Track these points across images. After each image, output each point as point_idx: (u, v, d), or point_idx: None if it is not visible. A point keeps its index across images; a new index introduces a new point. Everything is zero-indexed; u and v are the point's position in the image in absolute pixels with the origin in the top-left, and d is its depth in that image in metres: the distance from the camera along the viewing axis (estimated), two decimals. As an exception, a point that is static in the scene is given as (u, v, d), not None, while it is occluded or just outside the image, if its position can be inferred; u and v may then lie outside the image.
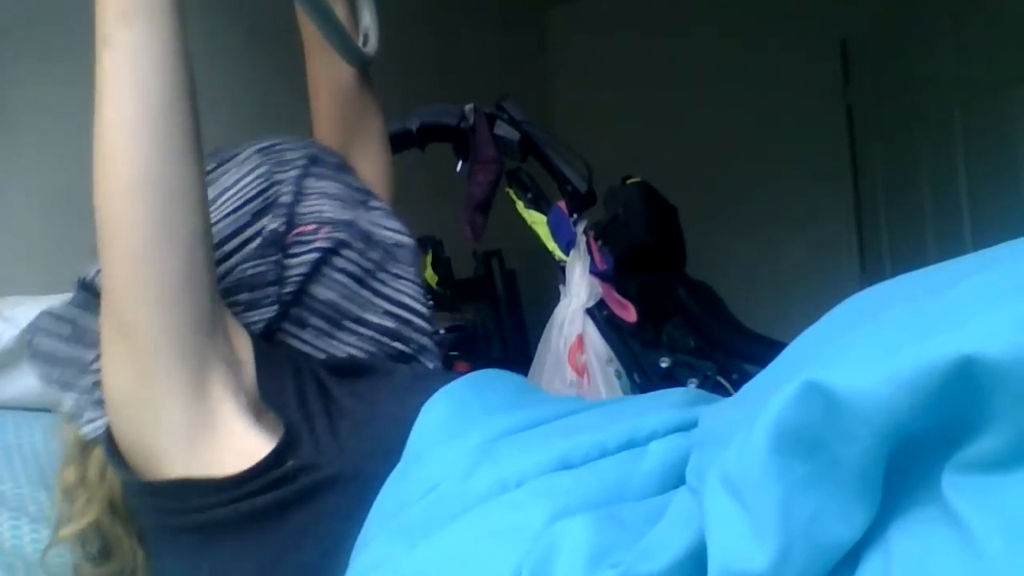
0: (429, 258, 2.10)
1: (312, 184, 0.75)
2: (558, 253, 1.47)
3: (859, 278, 3.20)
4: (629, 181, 1.75)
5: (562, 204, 1.48)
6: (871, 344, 0.38)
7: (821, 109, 3.32)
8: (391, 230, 0.81)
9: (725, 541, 0.38)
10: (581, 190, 1.46)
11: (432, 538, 0.51)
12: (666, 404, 0.60)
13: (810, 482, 0.37)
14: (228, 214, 0.71)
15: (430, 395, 0.64)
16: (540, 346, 1.46)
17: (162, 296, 0.59)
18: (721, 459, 0.41)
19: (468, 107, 1.46)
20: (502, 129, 1.49)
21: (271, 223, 0.71)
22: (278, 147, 0.78)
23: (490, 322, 2.49)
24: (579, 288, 1.44)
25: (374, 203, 0.82)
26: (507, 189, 1.54)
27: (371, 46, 0.90)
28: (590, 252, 1.45)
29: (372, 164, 0.91)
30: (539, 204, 1.51)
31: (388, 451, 0.60)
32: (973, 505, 0.34)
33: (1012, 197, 2.58)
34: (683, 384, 1.41)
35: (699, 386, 1.39)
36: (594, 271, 1.45)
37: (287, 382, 0.64)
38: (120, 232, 0.60)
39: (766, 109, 3.33)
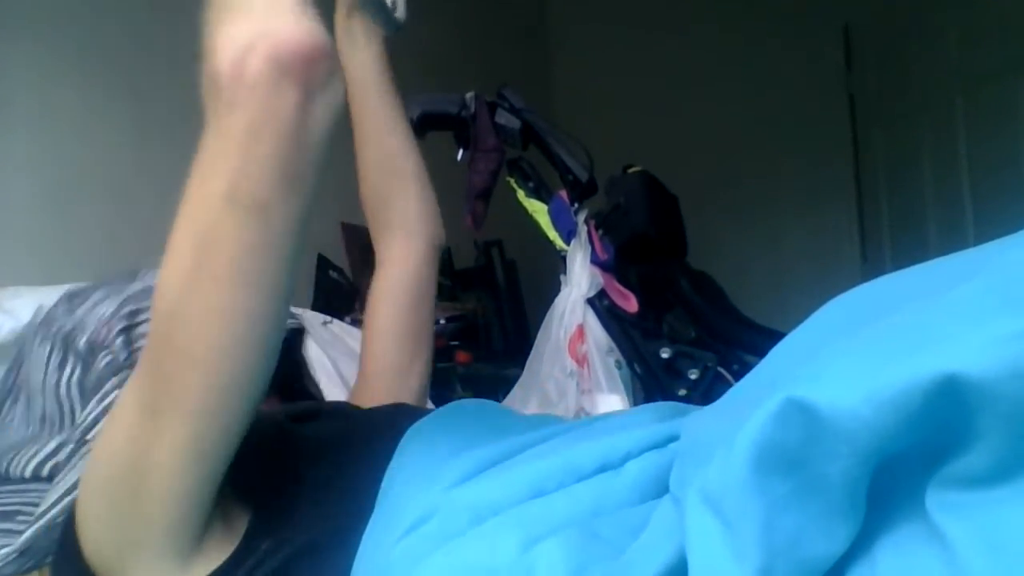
0: (429, 247, 2.09)
1: (77, 312, 0.78)
2: (559, 242, 1.47)
3: (860, 267, 3.20)
4: (630, 170, 1.75)
5: (563, 193, 1.47)
6: (854, 359, 0.38)
7: (823, 97, 3.31)
8: None
9: (706, 558, 0.38)
10: (582, 179, 1.46)
11: None
12: (640, 421, 0.60)
13: (792, 500, 0.37)
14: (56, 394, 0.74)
15: (398, 438, 0.64)
16: (540, 336, 1.46)
17: (208, 470, 0.55)
18: (702, 475, 0.40)
19: (469, 95, 1.46)
20: (503, 117, 1.49)
21: (79, 369, 0.75)
22: (46, 318, 0.81)
23: (491, 312, 2.49)
24: (580, 278, 1.44)
25: (143, 272, 0.84)
26: (508, 178, 1.54)
27: (400, 11, 0.95)
28: (591, 242, 1.45)
29: (414, 204, 0.97)
30: (540, 193, 1.51)
31: (362, 504, 0.59)
32: (957, 522, 0.34)
33: (1014, 186, 2.57)
34: (684, 374, 1.40)
35: (700, 376, 1.39)
36: (595, 261, 1.45)
37: (251, 455, 0.62)
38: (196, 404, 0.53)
39: (767, 97, 3.32)
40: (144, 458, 0.53)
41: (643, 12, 3.58)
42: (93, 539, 0.57)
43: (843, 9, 3.24)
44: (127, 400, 0.55)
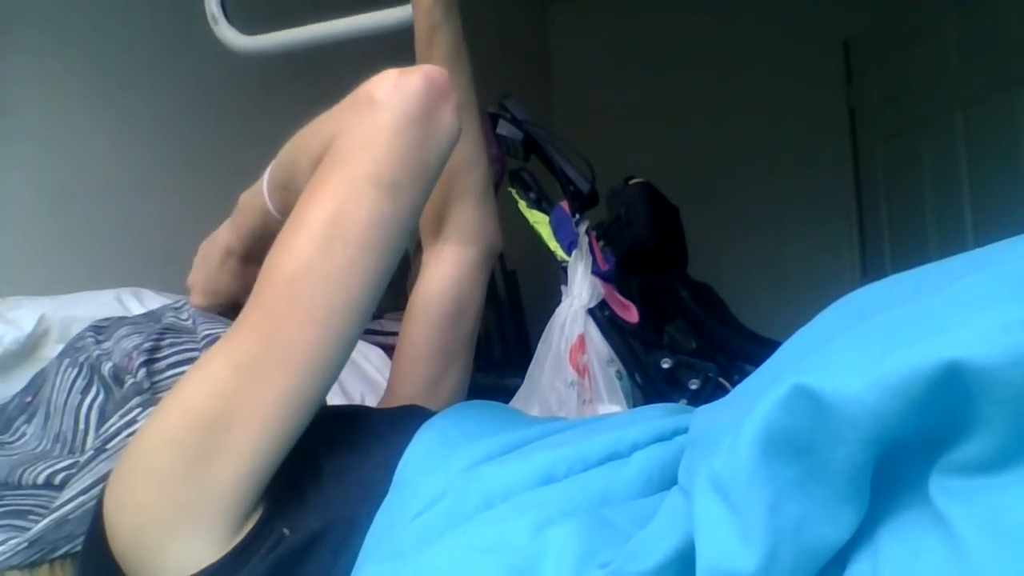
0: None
1: (104, 345, 0.81)
2: (560, 253, 1.47)
3: (861, 280, 3.20)
4: (632, 181, 1.75)
5: (564, 204, 1.48)
6: (860, 348, 0.38)
7: (823, 110, 3.32)
8: (182, 307, 0.89)
9: (714, 542, 0.39)
10: (584, 190, 1.47)
11: (420, 557, 0.51)
12: (647, 416, 0.61)
13: (798, 485, 0.37)
14: (76, 414, 0.76)
15: (412, 432, 0.66)
16: (541, 346, 1.46)
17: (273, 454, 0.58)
18: (710, 462, 0.41)
19: (471, 107, 1.46)
20: (505, 128, 1.50)
21: (102, 394, 0.76)
22: (73, 346, 0.83)
23: (491, 322, 2.49)
24: (581, 288, 1.44)
25: (163, 313, 0.88)
26: (509, 189, 1.54)
27: None
28: (592, 252, 1.46)
29: (473, 211, 0.94)
30: (541, 204, 1.51)
31: (377, 492, 0.61)
32: (960, 508, 0.34)
33: (1015, 199, 2.58)
34: (684, 385, 1.41)
35: (700, 387, 1.39)
36: (596, 271, 1.45)
37: None
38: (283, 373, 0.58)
39: (768, 110, 3.33)
40: (229, 414, 0.56)
41: (643, 25, 3.60)
42: (138, 508, 0.57)
43: (843, 23, 3.25)
44: (215, 362, 0.59)
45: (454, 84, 0.66)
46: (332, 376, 0.61)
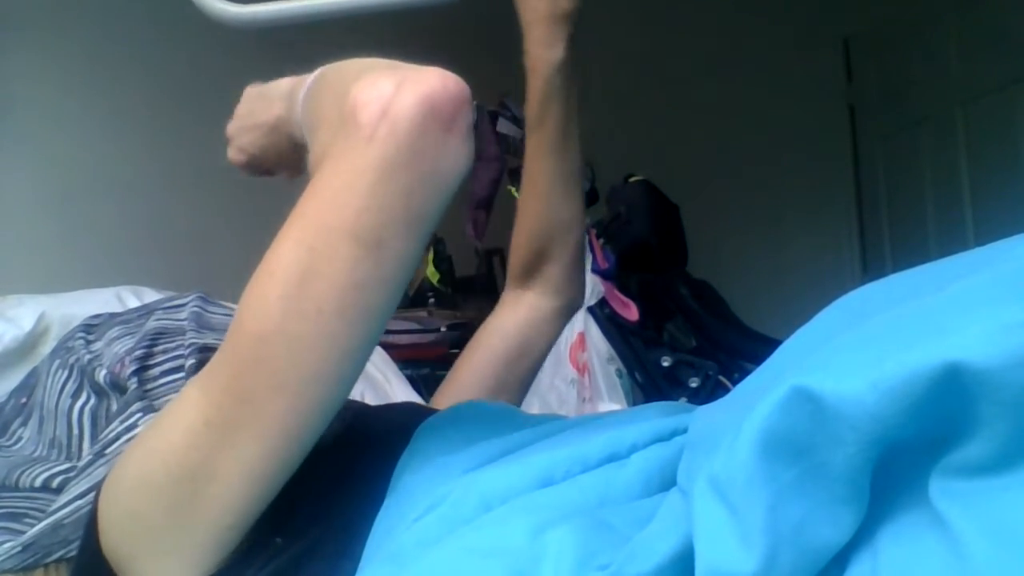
0: (431, 255, 2.10)
1: (94, 346, 0.79)
2: (560, 251, 1.47)
3: (861, 279, 3.20)
4: (632, 179, 1.75)
5: (564, 202, 1.47)
6: (859, 349, 0.38)
7: (823, 108, 3.32)
8: (177, 305, 0.87)
9: (712, 544, 0.38)
10: (583, 188, 1.46)
11: (419, 561, 0.50)
12: (646, 416, 0.61)
13: (797, 486, 0.37)
14: (69, 414, 0.75)
15: (409, 433, 0.64)
16: (541, 344, 1.46)
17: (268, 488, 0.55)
18: (709, 463, 0.41)
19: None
20: (504, 126, 1.50)
21: (93, 399, 0.75)
22: (63, 346, 0.82)
23: (491, 320, 2.48)
24: (581, 286, 1.44)
25: (156, 311, 0.85)
26: (509, 187, 1.54)
27: None
28: (592, 250, 1.46)
29: (564, 267, 0.95)
30: (541, 202, 1.51)
31: (373, 499, 0.59)
32: (960, 510, 0.34)
33: (1015, 197, 2.58)
34: (684, 383, 1.41)
35: (700, 385, 1.39)
36: (596, 269, 1.45)
37: None
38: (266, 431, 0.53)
39: (768, 108, 3.33)
40: (206, 467, 0.53)
41: (643, 23, 3.60)
42: (119, 535, 0.56)
43: (843, 20, 3.25)
44: (189, 409, 0.54)
45: (466, 97, 0.51)
46: (310, 440, 0.55)
